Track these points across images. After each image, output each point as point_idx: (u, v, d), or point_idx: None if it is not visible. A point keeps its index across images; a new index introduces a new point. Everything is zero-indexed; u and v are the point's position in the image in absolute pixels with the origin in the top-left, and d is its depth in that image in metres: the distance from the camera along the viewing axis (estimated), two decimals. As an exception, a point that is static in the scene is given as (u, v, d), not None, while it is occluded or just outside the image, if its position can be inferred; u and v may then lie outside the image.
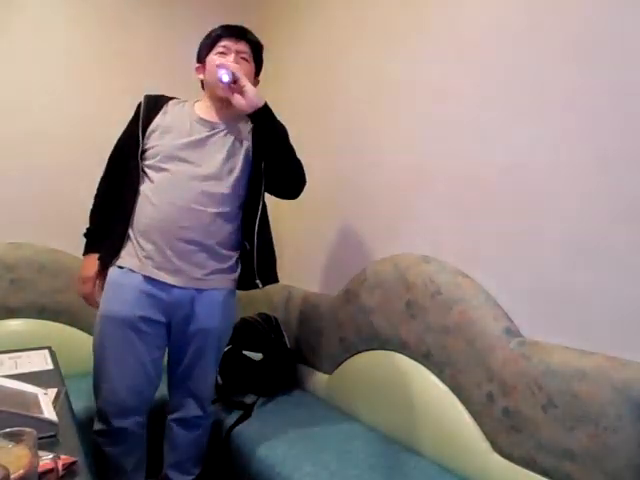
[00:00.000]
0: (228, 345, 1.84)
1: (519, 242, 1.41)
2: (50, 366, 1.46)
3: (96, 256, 1.61)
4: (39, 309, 2.15)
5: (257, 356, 2.06)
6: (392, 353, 1.71)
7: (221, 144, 1.55)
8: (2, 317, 2.09)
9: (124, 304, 1.49)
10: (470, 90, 1.55)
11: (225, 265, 1.58)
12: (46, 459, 0.81)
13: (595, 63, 1.24)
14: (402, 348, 1.67)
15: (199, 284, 1.53)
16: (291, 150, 1.56)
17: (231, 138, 1.57)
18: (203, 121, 1.57)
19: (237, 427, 1.76)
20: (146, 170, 1.53)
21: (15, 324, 2.11)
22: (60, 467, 0.83)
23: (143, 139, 1.55)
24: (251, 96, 1.45)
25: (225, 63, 1.48)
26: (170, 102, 1.62)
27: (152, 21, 2.45)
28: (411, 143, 1.76)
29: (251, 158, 1.58)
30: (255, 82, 1.63)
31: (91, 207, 1.66)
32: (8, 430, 0.76)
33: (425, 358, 1.59)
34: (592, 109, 1.24)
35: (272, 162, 1.55)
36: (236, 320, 1.85)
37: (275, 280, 1.70)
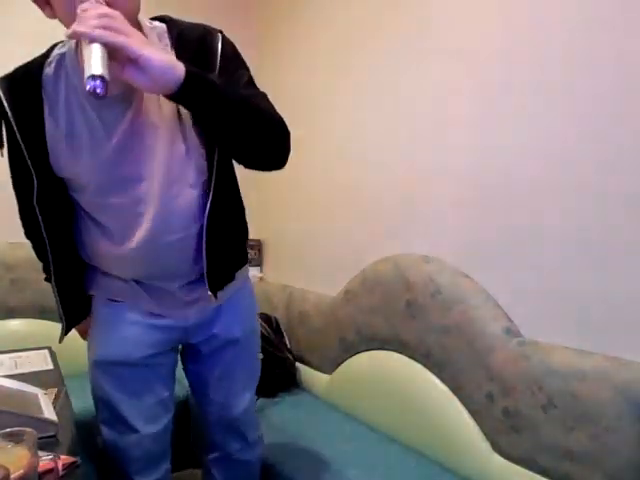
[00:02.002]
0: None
1: (519, 242, 1.41)
2: (50, 366, 1.46)
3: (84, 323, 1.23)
4: (39, 309, 2.15)
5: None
6: (392, 353, 1.71)
7: (152, 124, 0.97)
8: (2, 317, 2.09)
9: (126, 345, 1.13)
10: (470, 90, 1.55)
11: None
12: (46, 459, 0.81)
13: (595, 63, 1.24)
14: (402, 348, 1.67)
15: (218, 301, 1.16)
16: (252, 118, 0.96)
17: (162, 108, 0.98)
18: (110, 100, 0.90)
19: (237, 427, 1.76)
20: (86, 211, 1.05)
21: (15, 324, 2.11)
22: (60, 467, 0.83)
23: (50, 165, 0.98)
24: (156, 69, 0.81)
25: (83, 32, 0.77)
26: (45, 78, 0.97)
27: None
28: (411, 143, 1.76)
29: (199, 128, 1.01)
30: (136, 10, 0.94)
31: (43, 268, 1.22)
32: (8, 430, 0.76)
33: (425, 358, 1.58)
34: (592, 109, 1.24)
35: (227, 139, 1.00)
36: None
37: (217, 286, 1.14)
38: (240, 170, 1.13)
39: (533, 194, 1.37)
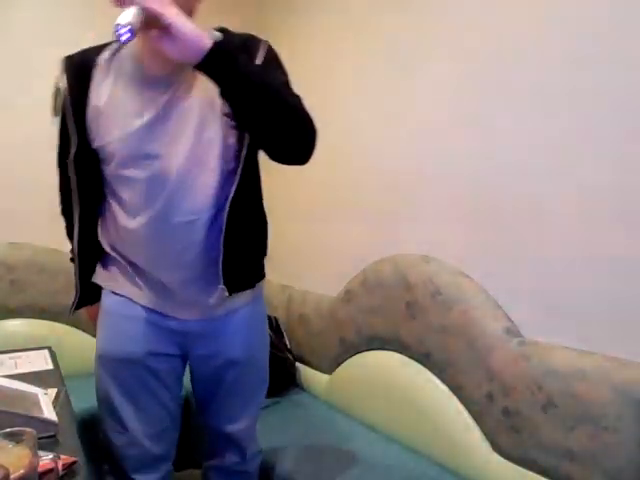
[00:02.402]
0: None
1: (519, 242, 1.41)
2: (50, 366, 1.46)
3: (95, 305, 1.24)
4: (39, 310, 2.15)
5: (257, 356, 2.06)
6: (392, 353, 1.71)
7: (188, 107, 1.03)
8: (2, 317, 2.09)
9: (129, 341, 1.15)
10: (470, 90, 1.55)
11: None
12: (46, 459, 0.81)
13: (595, 63, 1.24)
14: (402, 348, 1.67)
15: (218, 312, 1.16)
16: (278, 101, 0.98)
17: (200, 92, 1.03)
18: (153, 80, 1.02)
19: (237, 427, 1.76)
20: (108, 181, 1.11)
21: (15, 324, 2.11)
22: (60, 467, 0.83)
23: (83, 134, 1.07)
24: (186, 38, 0.87)
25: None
26: (100, 59, 1.07)
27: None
28: (411, 143, 1.76)
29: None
30: (195, 3, 1.04)
31: (75, 247, 1.22)
32: (8, 430, 0.76)
33: (425, 358, 1.58)
34: (592, 109, 1.25)
35: (256, 127, 1.02)
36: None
37: (248, 284, 1.20)
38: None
39: (533, 194, 1.37)
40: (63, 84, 1.08)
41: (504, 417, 1.33)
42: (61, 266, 2.19)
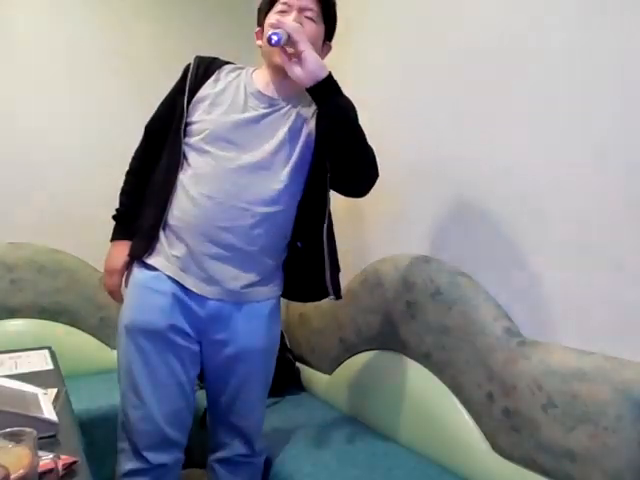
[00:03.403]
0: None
1: (519, 242, 1.41)
2: (50, 366, 1.46)
3: (127, 244, 1.34)
4: (39, 309, 2.14)
5: (257, 356, 2.06)
6: (392, 353, 1.71)
7: (278, 125, 1.27)
8: (2, 317, 2.09)
9: (154, 312, 1.24)
10: (469, 90, 1.55)
11: (270, 273, 1.33)
12: (46, 459, 0.81)
13: (595, 63, 1.24)
14: (402, 348, 1.67)
15: (235, 297, 1.27)
16: (360, 136, 1.23)
17: (291, 118, 1.28)
18: (261, 95, 1.28)
19: (237, 427, 1.76)
20: (186, 150, 1.27)
21: (15, 324, 2.10)
22: (60, 467, 0.83)
23: (188, 110, 1.28)
24: (311, 65, 1.14)
25: (281, 20, 1.18)
26: (225, 67, 1.34)
27: (152, 21, 2.45)
28: (411, 143, 1.76)
29: (313, 144, 1.30)
30: (325, 48, 1.35)
31: (122, 185, 1.41)
32: (8, 430, 0.76)
33: (425, 358, 1.58)
34: (592, 109, 1.24)
35: (336, 151, 1.23)
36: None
37: (339, 294, 1.40)
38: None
39: (533, 194, 1.37)
40: (191, 71, 1.32)
41: (504, 417, 1.33)
42: (61, 266, 2.20)
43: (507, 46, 1.44)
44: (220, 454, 1.39)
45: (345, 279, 1.95)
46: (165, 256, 1.27)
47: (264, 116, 1.27)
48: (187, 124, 1.28)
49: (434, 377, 1.55)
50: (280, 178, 1.26)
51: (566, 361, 1.22)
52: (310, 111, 1.30)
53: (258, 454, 1.42)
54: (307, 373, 2.13)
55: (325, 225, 1.35)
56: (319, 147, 1.28)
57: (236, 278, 1.26)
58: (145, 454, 1.25)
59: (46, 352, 1.59)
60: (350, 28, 2.03)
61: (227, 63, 1.36)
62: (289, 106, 1.29)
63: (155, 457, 1.25)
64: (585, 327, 1.25)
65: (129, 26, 2.40)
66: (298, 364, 2.17)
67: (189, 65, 1.34)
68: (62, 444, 0.94)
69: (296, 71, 1.15)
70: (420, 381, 1.59)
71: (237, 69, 1.35)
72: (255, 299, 1.31)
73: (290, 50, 1.16)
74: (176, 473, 1.32)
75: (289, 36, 1.14)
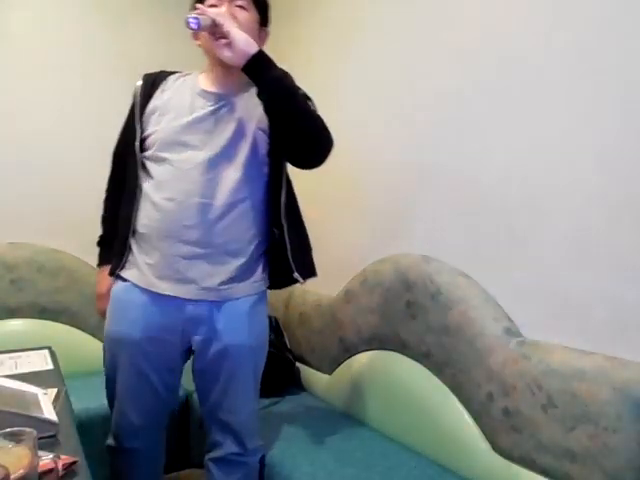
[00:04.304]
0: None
1: (519, 242, 1.41)
2: (50, 366, 1.46)
3: (108, 269, 1.41)
4: (39, 309, 2.15)
5: (257, 356, 2.06)
6: (392, 353, 1.71)
7: (228, 119, 1.29)
8: (2, 317, 2.08)
9: (129, 325, 1.30)
10: (470, 90, 1.55)
11: (246, 267, 1.33)
12: (46, 459, 0.81)
13: (595, 63, 1.24)
14: (402, 348, 1.67)
15: (213, 296, 1.29)
16: (303, 104, 1.25)
17: (241, 109, 1.30)
18: (206, 93, 1.31)
19: (237, 427, 1.76)
20: (146, 163, 1.32)
21: (15, 324, 2.10)
22: (60, 467, 0.83)
23: (141, 126, 1.32)
24: (239, 43, 1.15)
25: (203, 8, 1.19)
26: (170, 77, 1.38)
27: (153, 21, 2.45)
28: (411, 143, 1.76)
29: (268, 128, 1.31)
30: (263, 34, 1.36)
31: (102, 212, 1.51)
32: (8, 430, 0.76)
33: (425, 358, 1.58)
34: (592, 109, 1.24)
35: (283, 123, 1.25)
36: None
37: (313, 273, 1.43)
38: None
39: (533, 194, 1.37)
40: (137, 91, 1.37)
41: (504, 417, 1.33)
42: (61, 265, 2.20)
43: (507, 46, 1.45)
44: (214, 453, 1.40)
45: (345, 279, 1.96)
46: (138, 267, 1.31)
47: (212, 113, 1.29)
48: (144, 139, 1.32)
49: (434, 377, 1.55)
50: (237, 168, 1.28)
51: (566, 361, 1.22)
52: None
53: (252, 453, 1.41)
54: (307, 373, 2.13)
55: (282, 202, 1.34)
56: (272, 128, 1.29)
57: (211, 275, 1.28)
58: (121, 439, 1.39)
59: (46, 352, 1.59)
60: (350, 28, 2.03)
61: (174, 73, 1.40)
62: (236, 97, 1.31)
63: (128, 442, 1.38)
64: (585, 327, 1.25)
65: (129, 27, 2.40)
66: (298, 364, 2.17)
67: (137, 85, 1.39)
68: (62, 444, 0.94)
69: (226, 53, 1.17)
70: (420, 381, 1.59)
71: (183, 76, 1.39)
72: (234, 296, 1.31)
73: (219, 35, 1.17)
74: (153, 450, 1.43)
75: (213, 21, 1.15)
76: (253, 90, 1.25)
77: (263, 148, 1.32)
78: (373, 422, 1.74)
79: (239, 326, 1.32)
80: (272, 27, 1.87)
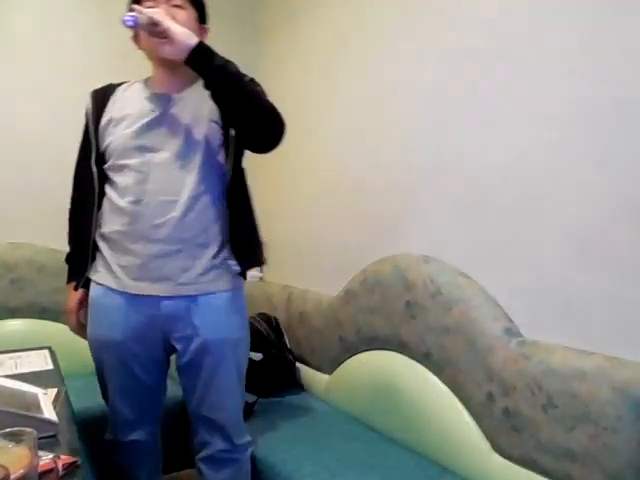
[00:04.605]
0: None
1: (519, 242, 1.41)
2: (50, 366, 1.46)
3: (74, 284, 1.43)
4: (39, 309, 2.15)
5: (257, 356, 2.06)
6: (392, 353, 1.71)
7: (180, 117, 1.31)
8: (2, 317, 2.09)
9: (111, 328, 1.32)
10: (470, 90, 1.55)
11: (218, 261, 1.34)
12: (46, 459, 0.81)
13: (595, 63, 1.24)
14: (402, 348, 1.67)
15: (188, 290, 1.30)
16: (249, 89, 1.25)
17: (191, 105, 1.32)
18: (154, 96, 1.33)
19: (237, 427, 1.76)
20: (108, 174, 1.34)
21: (15, 324, 2.11)
22: (60, 467, 0.83)
23: (97, 140, 1.35)
24: (178, 37, 1.16)
25: (138, 7, 1.19)
26: (119, 88, 1.40)
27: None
28: (411, 143, 1.76)
29: (220, 119, 1.32)
30: (202, 31, 1.37)
31: (67, 230, 1.51)
32: (8, 430, 0.76)
33: (425, 358, 1.59)
34: (592, 109, 1.25)
35: (232, 110, 1.26)
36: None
37: (256, 262, 1.43)
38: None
39: (533, 194, 1.37)
40: (88, 107, 1.39)
41: (504, 417, 1.33)
42: (61, 265, 2.18)
43: (507, 46, 1.45)
44: (203, 453, 1.41)
45: (345, 279, 1.96)
46: (111, 271, 1.32)
47: (163, 114, 1.31)
48: (102, 153, 1.35)
49: (434, 377, 1.55)
50: (195, 162, 1.30)
51: (566, 361, 1.22)
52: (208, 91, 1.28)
53: (241, 449, 1.41)
54: (307, 373, 2.13)
55: (222, 190, 1.35)
56: (223, 116, 1.31)
57: (186, 269, 1.30)
58: (116, 433, 1.42)
59: (46, 352, 1.59)
60: (349, 29, 2.03)
61: (121, 84, 1.42)
62: (184, 94, 1.33)
63: (124, 436, 1.41)
64: (585, 327, 1.25)
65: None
66: (298, 364, 2.17)
67: (88, 102, 1.40)
68: (62, 444, 0.94)
69: (167, 48, 1.18)
70: (420, 381, 1.59)
71: (131, 84, 1.41)
72: (210, 289, 1.33)
73: (158, 34, 1.17)
74: (149, 442, 1.44)
75: (151, 19, 1.15)
76: (199, 84, 1.26)
77: (217, 139, 1.33)
78: (373, 422, 1.74)
79: (217, 320, 1.33)
80: (272, 27, 1.91)
